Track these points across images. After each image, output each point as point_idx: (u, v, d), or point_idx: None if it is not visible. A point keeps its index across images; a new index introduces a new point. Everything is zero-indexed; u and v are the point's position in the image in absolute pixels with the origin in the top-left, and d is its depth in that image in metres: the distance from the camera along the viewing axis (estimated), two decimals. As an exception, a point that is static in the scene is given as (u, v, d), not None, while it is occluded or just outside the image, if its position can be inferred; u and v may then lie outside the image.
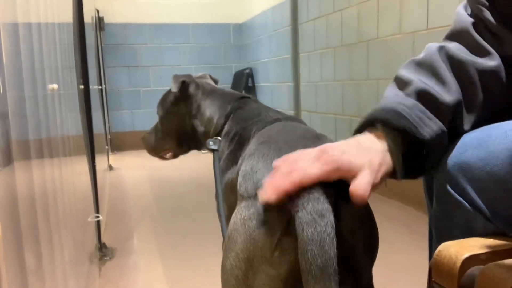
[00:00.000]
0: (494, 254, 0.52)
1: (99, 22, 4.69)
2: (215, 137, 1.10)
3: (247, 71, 5.06)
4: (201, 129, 1.21)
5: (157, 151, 1.36)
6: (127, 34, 5.07)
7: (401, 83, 0.69)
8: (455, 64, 0.68)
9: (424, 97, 0.65)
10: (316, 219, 0.57)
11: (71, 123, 1.50)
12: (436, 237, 0.69)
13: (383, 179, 0.60)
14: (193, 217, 2.55)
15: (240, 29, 5.43)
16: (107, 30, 4.93)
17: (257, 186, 0.65)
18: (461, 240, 0.57)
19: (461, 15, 0.72)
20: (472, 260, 0.52)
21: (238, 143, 1.00)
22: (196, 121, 1.22)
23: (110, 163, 4.07)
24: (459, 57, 0.68)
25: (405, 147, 0.62)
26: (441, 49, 0.69)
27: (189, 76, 1.26)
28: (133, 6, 5.07)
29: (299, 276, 0.58)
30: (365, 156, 0.60)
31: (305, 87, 3.89)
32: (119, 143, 5.00)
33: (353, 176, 0.58)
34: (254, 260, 0.63)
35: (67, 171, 1.31)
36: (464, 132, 0.67)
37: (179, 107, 1.26)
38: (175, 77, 1.23)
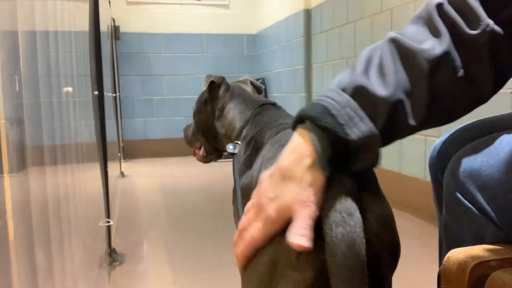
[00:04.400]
0: (504, 262, 0.52)
1: (115, 31, 4.75)
2: (235, 141, 1.11)
3: (260, 81, 5.08)
4: (222, 130, 1.22)
5: (191, 143, 1.42)
6: (142, 43, 5.13)
7: (352, 67, 0.65)
8: (404, 54, 0.63)
9: (359, 93, 0.61)
10: (346, 218, 0.55)
11: (85, 130, 1.52)
12: (445, 244, 0.69)
13: (318, 192, 0.59)
14: (203, 225, 2.55)
15: (253, 40, 5.47)
16: (122, 39, 4.99)
17: None
18: (471, 247, 0.57)
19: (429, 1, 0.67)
20: (481, 267, 0.51)
21: (254, 148, 1.00)
22: (218, 123, 1.24)
23: (122, 170, 4.10)
24: (409, 46, 0.62)
25: (331, 147, 0.59)
26: (392, 40, 0.64)
27: (222, 78, 1.27)
28: (148, 16, 5.14)
29: (325, 281, 0.57)
30: (292, 189, 0.60)
31: (317, 98, 3.89)
32: (132, 151, 5.03)
33: (290, 217, 0.59)
34: (279, 264, 0.61)
35: (80, 177, 1.33)
36: (410, 126, 0.62)
37: (207, 107, 1.27)
38: (207, 77, 1.26)
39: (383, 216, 0.64)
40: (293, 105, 4.26)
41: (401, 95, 0.61)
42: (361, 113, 0.60)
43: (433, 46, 0.61)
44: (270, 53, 4.99)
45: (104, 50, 2.36)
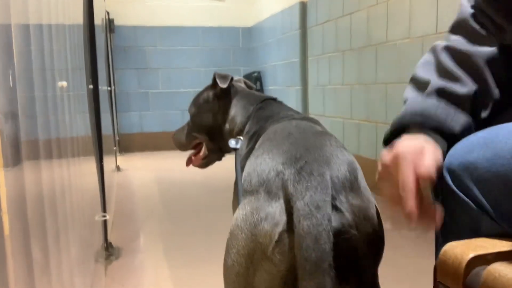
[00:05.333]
0: (500, 255, 0.52)
1: (109, 24, 4.72)
2: (237, 137, 1.12)
3: (256, 74, 5.06)
4: (226, 126, 1.23)
5: (186, 146, 1.40)
6: (137, 36, 5.10)
7: (419, 84, 0.76)
8: (461, 58, 0.74)
9: (443, 94, 0.72)
10: (313, 211, 0.57)
11: (80, 124, 1.51)
12: (442, 237, 0.69)
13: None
14: (199, 218, 2.55)
15: (249, 33, 5.45)
16: (117, 32, 4.96)
17: (261, 179, 0.66)
18: (467, 240, 0.57)
19: (463, 7, 0.78)
20: (477, 260, 0.51)
21: (255, 142, 1.01)
22: (223, 119, 1.25)
23: (117, 164, 4.09)
24: (463, 50, 0.74)
25: (445, 141, 0.70)
26: (446, 48, 0.76)
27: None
28: (143, 8, 5.11)
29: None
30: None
31: (313, 91, 3.89)
32: (127, 144, 5.02)
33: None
34: (255, 256, 0.63)
35: (75, 171, 1.32)
36: (482, 120, 0.72)
37: (214, 104, 1.27)
38: (221, 74, 1.25)
39: (361, 208, 0.65)
40: (289, 98, 4.26)
41: (476, 90, 0.71)
42: (453, 109, 0.71)
43: (485, 48, 0.73)
44: (266, 46, 4.97)
45: (99, 44, 2.34)
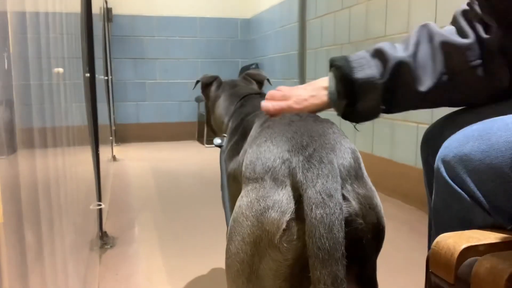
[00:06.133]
0: (492, 246, 0.52)
1: (107, 13, 4.69)
2: (222, 135, 1.14)
3: (253, 66, 5.05)
4: (216, 127, 1.27)
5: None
6: (135, 26, 5.07)
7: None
8: (426, 35, 0.81)
9: (378, 52, 0.81)
10: (325, 200, 0.56)
11: (76, 113, 1.50)
12: (434, 229, 0.70)
13: (311, 105, 0.84)
14: (193, 209, 2.56)
15: (247, 24, 5.42)
16: (115, 21, 4.93)
17: (266, 167, 0.65)
18: (460, 231, 0.57)
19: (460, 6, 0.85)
20: (470, 251, 0.52)
21: (241, 134, 1.01)
22: (213, 121, 1.28)
23: (114, 154, 4.09)
24: (432, 31, 0.81)
25: (340, 83, 0.80)
26: (424, 25, 0.83)
27: (212, 77, 1.30)
28: (141, -2, 5.07)
29: (306, 262, 0.57)
30: (301, 91, 0.84)
31: (310, 84, 3.88)
32: (124, 134, 5.01)
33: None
34: (261, 244, 0.62)
35: (71, 160, 1.32)
36: (419, 92, 0.79)
37: (206, 106, 1.33)
38: (203, 78, 1.29)
39: (367, 198, 0.65)
40: (287, 91, 4.24)
41: (409, 59, 0.78)
42: (374, 63, 0.79)
43: (459, 38, 0.79)
44: (264, 38, 4.96)
45: (96, 33, 2.33)
